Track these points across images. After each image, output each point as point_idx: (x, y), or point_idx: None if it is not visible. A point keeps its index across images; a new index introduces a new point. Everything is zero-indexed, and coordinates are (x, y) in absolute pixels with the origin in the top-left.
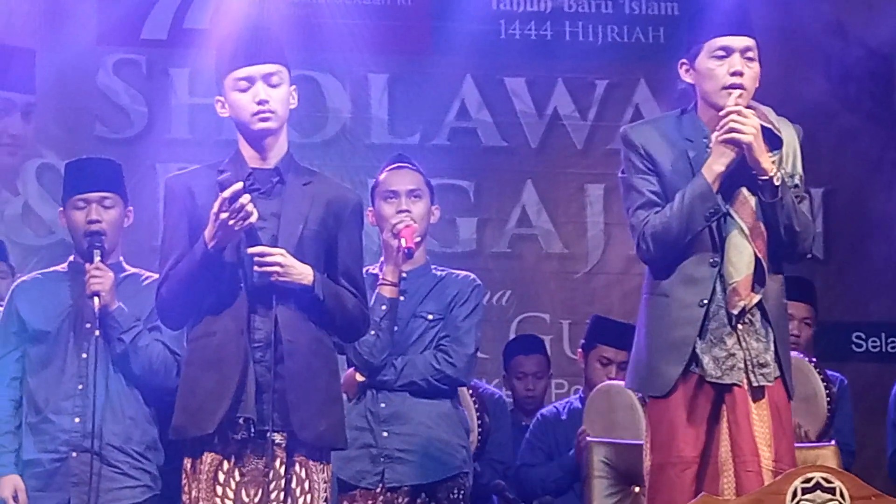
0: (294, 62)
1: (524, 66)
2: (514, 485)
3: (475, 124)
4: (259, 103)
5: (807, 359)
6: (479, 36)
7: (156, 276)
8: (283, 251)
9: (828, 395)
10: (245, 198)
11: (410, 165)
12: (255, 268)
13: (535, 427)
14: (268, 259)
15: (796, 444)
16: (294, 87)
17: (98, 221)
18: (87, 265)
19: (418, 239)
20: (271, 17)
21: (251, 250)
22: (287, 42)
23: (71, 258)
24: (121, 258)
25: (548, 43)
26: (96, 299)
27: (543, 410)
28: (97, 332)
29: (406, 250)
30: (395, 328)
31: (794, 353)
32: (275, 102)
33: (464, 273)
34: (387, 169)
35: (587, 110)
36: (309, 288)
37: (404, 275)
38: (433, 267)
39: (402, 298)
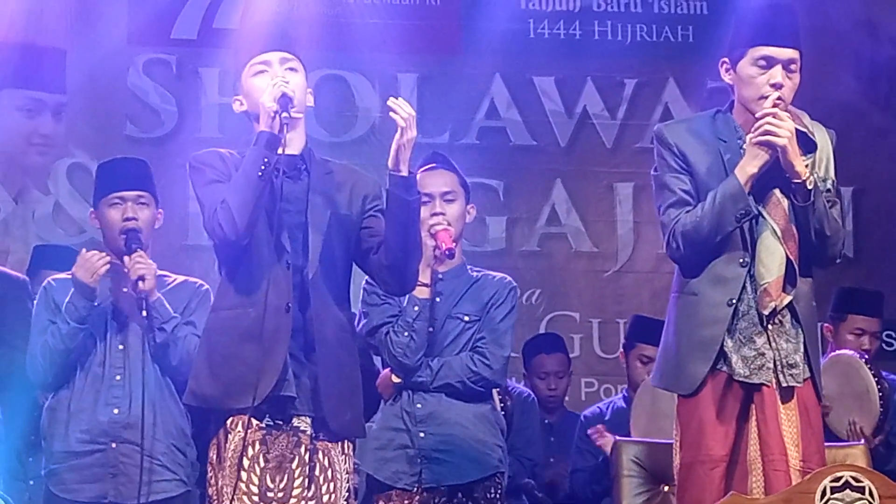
0: (324, 62)
1: (553, 65)
2: (541, 485)
3: (504, 123)
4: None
5: (857, 355)
6: (509, 35)
7: (182, 278)
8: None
9: (880, 391)
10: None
11: (444, 166)
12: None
13: (580, 430)
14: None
15: (832, 444)
16: (310, 89)
17: (135, 219)
18: (128, 257)
19: (454, 244)
20: (301, 17)
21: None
22: (316, 42)
23: None
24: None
25: (577, 42)
26: (140, 283)
27: (586, 412)
28: (144, 313)
29: (447, 251)
30: (431, 329)
31: (844, 351)
32: (294, 86)
33: (500, 275)
34: (420, 170)
35: (616, 109)
36: None
37: (441, 276)
38: (469, 267)
39: (438, 300)
